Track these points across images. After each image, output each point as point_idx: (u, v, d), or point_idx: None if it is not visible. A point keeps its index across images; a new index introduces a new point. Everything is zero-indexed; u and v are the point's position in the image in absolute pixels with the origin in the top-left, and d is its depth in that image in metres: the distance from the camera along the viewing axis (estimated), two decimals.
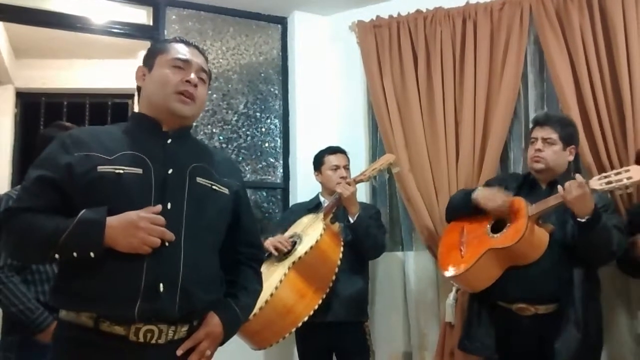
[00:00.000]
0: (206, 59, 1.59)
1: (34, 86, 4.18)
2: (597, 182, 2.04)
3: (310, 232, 2.52)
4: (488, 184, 2.53)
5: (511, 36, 2.97)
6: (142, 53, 4.08)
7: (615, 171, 2.06)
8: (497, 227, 2.29)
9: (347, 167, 2.87)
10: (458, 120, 3.03)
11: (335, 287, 2.53)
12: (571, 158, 2.36)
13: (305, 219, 2.69)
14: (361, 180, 2.68)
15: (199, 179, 1.47)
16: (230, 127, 3.47)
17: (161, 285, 1.34)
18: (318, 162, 2.92)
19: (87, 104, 4.22)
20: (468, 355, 2.53)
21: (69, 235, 1.31)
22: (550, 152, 2.29)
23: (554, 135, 2.29)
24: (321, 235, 2.43)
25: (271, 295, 2.31)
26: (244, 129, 3.52)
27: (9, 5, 3.10)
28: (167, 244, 1.36)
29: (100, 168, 1.37)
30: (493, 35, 3.03)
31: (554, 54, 2.84)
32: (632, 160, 2.56)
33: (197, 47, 1.57)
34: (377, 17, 3.33)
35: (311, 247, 2.39)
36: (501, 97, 2.95)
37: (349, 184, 2.65)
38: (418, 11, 3.22)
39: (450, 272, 2.35)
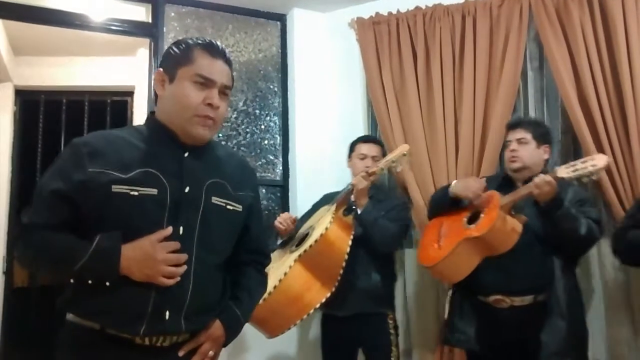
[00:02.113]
0: (231, 65, 1.50)
1: (33, 84, 4.16)
2: (564, 171, 2.16)
3: (320, 223, 2.53)
4: None
5: (510, 33, 2.97)
6: (142, 50, 4.08)
7: (581, 160, 2.17)
8: (473, 219, 2.37)
9: (375, 158, 2.78)
10: (457, 117, 3.04)
11: (352, 280, 2.55)
12: (546, 157, 2.47)
13: (322, 210, 2.70)
14: (374, 173, 2.61)
15: (214, 199, 1.45)
16: (229, 124, 3.47)
17: (167, 312, 1.35)
18: (351, 149, 2.88)
19: (86, 101, 4.20)
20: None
21: (85, 264, 1.31)
22: (525, 152, 2.41)
23: (528, 136, 2.42)
24: (326, 228, 2.43)
25: (274, 287, 2.34)
26: (243, 127, 3.52)
27: (8, 2, 3.09)
28: None
29: (115, 188, 1.34)
30: (492, 32, 3.03)
31: (555, 50, 2.84)
32: (635, 152, 2.61)
33: (223, 56, 1.46)
34: (376, 13, 3.33)
35: (316, 241, 2.40)
36: (500, 93, 2.95)
37: (369, 175, 2.59)
38: (417, 8, 3.22)
39: (426, 262, 2.43)
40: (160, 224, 1.36)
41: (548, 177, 2.17)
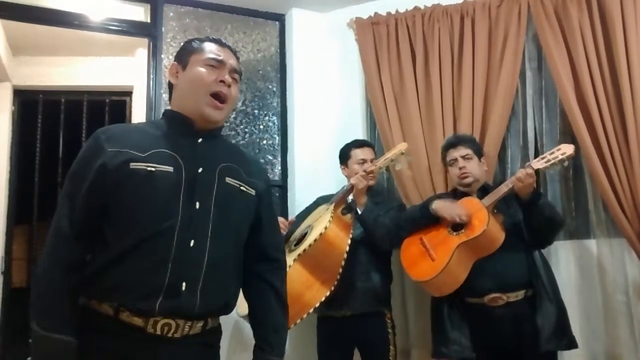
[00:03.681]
0: (238, 58, 1.62)
1: (32, 84, 4.15)
2: (538, 163, 2.36)
3: (319, 223, 2.53)
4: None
5: (509, 33, 2.98)
6: (141, 50, 4.08)
7: (549, 151, 2.37)
8: (456, 228, 2.44)
9: (373, 161, 2.81)
10: (456, 117, 3.04)
11: (352, 281, 2.57)
12: (486, 168, 2.68)
13: (320, 209, 2.70)
14: (372, 172, 2.64)
15: (227, 179, 1.52)
16: (228, 124, 3.46)
17: (184, 284, 1.39)
18: (344, 155, 2.90)
19: (84, 101, 4.20)
20: None
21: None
22: (472, 166, 2.57)
23: (470, 151, 2.59)
24: (326, 227, 2.43)
25: None
26: (242, 127, 3.51)
27: (7, 2, 3.09)
28: (192, 244, 1.40)
29: (133, 164, 1.41)
30: (491, 32, 3.04)
31: (553, 50, 2.85)
32: (634, 153, 2.62)
33: (229, 48, 1.60)
34: (375, 14, 3.33)
35: (315, 240, 2.41)
36: (499, 94, 2.95)
37: (367, 174, 2.61)
38: (416, 8, 3.22)
39: (425, 276, 2.43)
40: (176, 199, 1.42)
41: (529, 170, 2.33)
